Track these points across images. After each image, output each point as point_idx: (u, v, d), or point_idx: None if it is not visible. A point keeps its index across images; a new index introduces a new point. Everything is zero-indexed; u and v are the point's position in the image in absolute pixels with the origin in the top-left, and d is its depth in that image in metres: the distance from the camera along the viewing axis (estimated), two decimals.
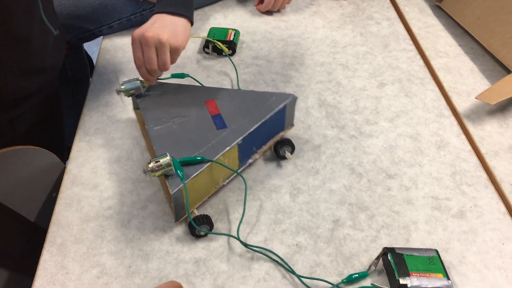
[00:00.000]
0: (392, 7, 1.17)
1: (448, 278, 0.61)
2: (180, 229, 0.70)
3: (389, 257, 0.63)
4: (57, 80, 0.94)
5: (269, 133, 0.79)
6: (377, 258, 0.65)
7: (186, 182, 0.65)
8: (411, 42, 1.06)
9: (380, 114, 0.89)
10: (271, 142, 0.80)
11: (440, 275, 0.62)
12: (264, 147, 0.79)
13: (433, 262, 0.63)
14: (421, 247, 0.68)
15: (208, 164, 0.68)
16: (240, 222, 0.71)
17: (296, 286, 0.64)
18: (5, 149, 0.73)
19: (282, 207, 0.73)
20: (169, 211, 0.73)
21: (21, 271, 0.75)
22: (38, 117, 0.89)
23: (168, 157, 0.64)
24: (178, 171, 0.65)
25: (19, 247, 0.75)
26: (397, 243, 0.69)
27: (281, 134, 0.81)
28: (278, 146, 0.78)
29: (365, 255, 0.67)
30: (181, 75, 0.88)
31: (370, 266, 0.65)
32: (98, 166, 0.79)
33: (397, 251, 0.64)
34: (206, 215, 0.68)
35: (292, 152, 0.79)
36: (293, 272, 0.65)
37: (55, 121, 0.98)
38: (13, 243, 0.74)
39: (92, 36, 1.06)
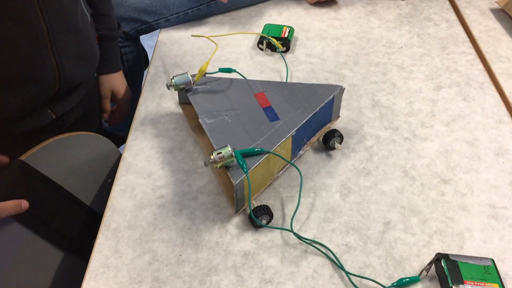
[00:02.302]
0: (452, 8, 1.14)
1: None
2: (230, 221, 0.71)
3: (442, 263, 0.62)
4: (94, 76, 0.98)
5: (318, 125, 0.79)
6: (430, 263, 0.63)
7: (247, 172, 0.66)
8: (470, 45, 1.03)
9: (436, 117, 0.86)
10: (319, 134, 0.80)
11: (496, 285, 0.60)
12: (313, 139, 0.79)
13: (488, 272, 0.61)
14: (476, 255, 0.66)
15: (266, 155, 0.69)
16: (294, 214, 0.71)
17: (345, 286, 0.63)
18: (68, 134, 0.76)
19: (332, 206, 0.73)
20: (219, 202, 0.73)
21: (75, 253, 0.78)
22: (83, 111, 0.92)
23: (229, 148, 0.66)
24: (241, 162, 0.66)
25: (75, 229, 0.78)
26: (450, 249, 0.67)
27: (327, 125, 0.81)
28: (327, 137, 0.79)
29: (416, 260, 0.66)
30: (228, 70, 0.89)
31: (421, 271, 0.64)
32: (152, 155, 0.81)
33: (451, 257, 0.62)
34: (266, 205, 0.69)
35: (340, 142, 0.79)
36: (342, 268, 0.65)
37: (93, 114, 1.01)
38: (69, 225, 0.77)
39: (149, 29, 1.09)
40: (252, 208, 0.69)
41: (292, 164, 0.76)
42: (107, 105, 1.04)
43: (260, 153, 0.69)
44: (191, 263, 0.66)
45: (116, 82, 1.02)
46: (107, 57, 0.99)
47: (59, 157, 0.75)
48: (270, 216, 0.69)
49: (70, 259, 0.77)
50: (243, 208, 0.72)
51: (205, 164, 0.66)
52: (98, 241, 0.69)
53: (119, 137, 0.98)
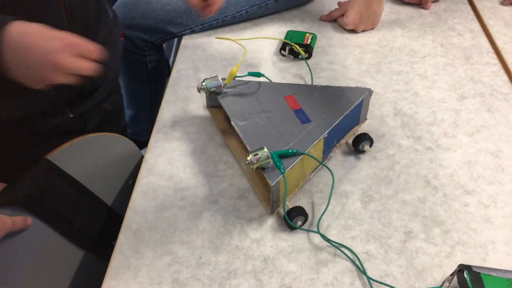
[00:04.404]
0: (476, 19, 1.13)
1: None
2: (250, 226, 0.71)
3: (465, 275, 0.61)
4: (118, 75, 0.98)
5: (347, 127, 0.80)
6: (452, 274, 0.63)
7: (284, 173, 0.67)
8: (495, 56, 1.02)
9: (459, 127, 0.86)
10: (347, 136, 0.80)
11: None
12: (342, 141, 0.80)
13: None
14: (499, 268, 0.65)
15: (301, 156, 0.70)
16: (321, 216, 0.71)
17: None
18: (92, 134, 0.77)
19: (353, 213, 0.73)
20: (240, 206, 0.73)
21: (96, 252, 0.78)
22: (105, 114, 0.93)
23: (266, 150, 0.66)
24: (278, 162, 0.67)
25: (96, 229, 0.79)
26: (473, 261, 0.66)
27: (355, 128, 0.81)
28: (357, 141, 0.79)
29: (438, 271, 0.65)
30: (257, 74, 0.90)
31: (443, 282, 0.63)
32: (174, 158, 0.81)
33: (474, 269, 0.61)
34: (300, 206, 0.69)
35: (370, 145, 0.80)
36: (365, 273, 0.64)
37: (118, 117, 1.01)
38: (91, 224, 0.78)
39: (173, 38, 1.10)
40: (287, 209, 0.69)
41: (324, 165, 0.76)
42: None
43: (294, 154, 0.69)
44: (211, 266, 0.66)
45: None
46: None
47: (83, 156, 0.76)
48: (305, 216, 0.70)
49: (90, 258, 0.78)
50: (278, 209, 0.72)
51: (242, 166, 0.67)
52: (119, 241, 0.69)
53: (140, 143, 0.99)
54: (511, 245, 0.68)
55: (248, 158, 0.66)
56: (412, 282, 0.64)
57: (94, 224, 0.78)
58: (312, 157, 0.72)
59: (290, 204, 0.71)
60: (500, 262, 0.66)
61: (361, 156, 0.81)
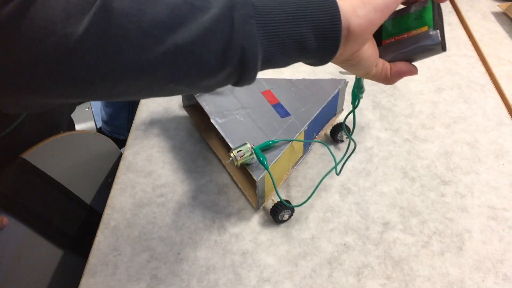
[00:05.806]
0: (454, 12, 1.14)
1: (435, 28, 0.44)
2: (229, 220, 0.71)
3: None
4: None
5: (326, 118, 0.81)
6: None
7: (269, 167, 0.67)
8: (472, 48, 1.03)
9: (436, 119, 0.86)
10: (326, 127, 0.81)
11: (425, 28, 0.44)
12: (321, 132, 0.81)
13: (420, 16, 0.47)
14: (475, 256, 0.65)
15: (284, 149, 0.70)
16: (300, 205, 0.71)
17: (343, 285, 0.63)
18: (69, 133, 0.77)
19: (331, 206, 0.73)
20: (219, 201, 0.74)
21: (75, 251, 0.78)
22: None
23: (249, 145, 0.66)
24: (261, 158, 0.67)
25: (75, 227, 0.78)
26: (450, 250, 0.67)
27: (333, 119, 0.82)
28: (334, 130, 0.80)
29: (415, 260, 0.66)
30: None
31: None
32: (153, 154, 0.81)
33: None
34: (286, 200, 0.70)
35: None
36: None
37: None
38: (69, 223, 0.77)
39: None
40: (272, 204, 0.69)
41: (323, 143, 0.78)
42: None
43: (277, 146, 0.70)
44: (189, 262, 0.66)
45: None
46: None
47: (60, 155, 0.76)
48: (292, 210, 0.70)
49: (69, 257, 0.77)
50: (263, 204, 0.73)
51: (225, 163, 0.67)
52: (97, 238, 0.69)
53: (120, 141, 0.98)
54: (487, 233, 0.69)
55: (232, 154, 0.66)
56: (390, 272, 0.65)
57: (73, 223, 0.78)
58: (299, 140, 0.73)
59: (274, 199, 0.71)
60: (476, 250, 0.67)
61: (340, 148, 0.81)
